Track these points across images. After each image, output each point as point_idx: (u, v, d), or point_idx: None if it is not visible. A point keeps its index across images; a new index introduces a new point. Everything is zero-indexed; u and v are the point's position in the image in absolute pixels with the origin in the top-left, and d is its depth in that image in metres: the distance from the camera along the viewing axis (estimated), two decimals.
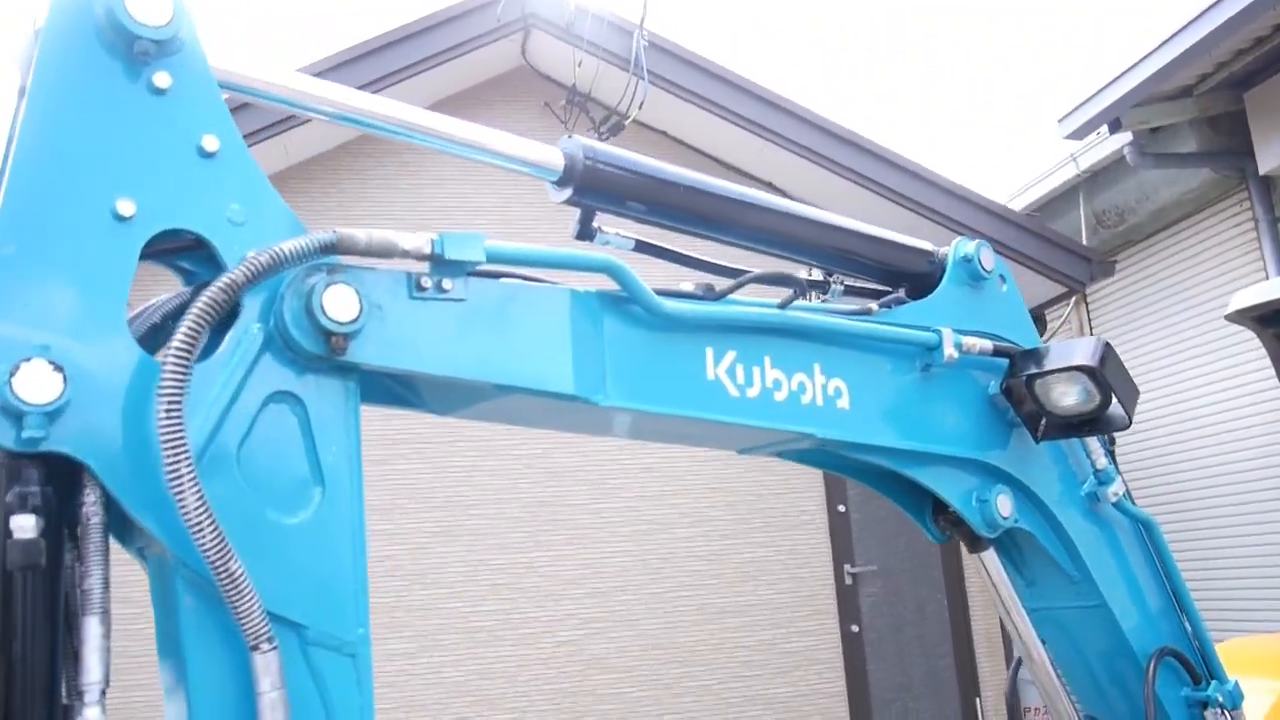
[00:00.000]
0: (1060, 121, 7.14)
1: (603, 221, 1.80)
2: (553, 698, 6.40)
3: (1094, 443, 2.27)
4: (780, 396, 1.79)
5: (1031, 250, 6.99)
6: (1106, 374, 1.99)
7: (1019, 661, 2.34)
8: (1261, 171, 6.77)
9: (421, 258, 1.39)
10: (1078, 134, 7.16)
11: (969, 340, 2.04)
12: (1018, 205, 8.29)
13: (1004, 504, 2.08)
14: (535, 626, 6.46)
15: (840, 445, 1.90)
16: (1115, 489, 2.28)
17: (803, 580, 6.93)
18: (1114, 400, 2.03)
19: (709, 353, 1.71)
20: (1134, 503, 2.38)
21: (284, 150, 6.44)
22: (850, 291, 2.14)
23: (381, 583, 6.30)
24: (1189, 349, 7.58)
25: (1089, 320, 8.79)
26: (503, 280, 1.51)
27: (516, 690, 6.36)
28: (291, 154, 6.54)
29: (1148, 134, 7.28)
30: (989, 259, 2.20)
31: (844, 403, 1.88)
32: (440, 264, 1.40)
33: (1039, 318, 7.76)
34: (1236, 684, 2.44)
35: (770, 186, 7.26)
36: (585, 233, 1.77)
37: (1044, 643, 2.44)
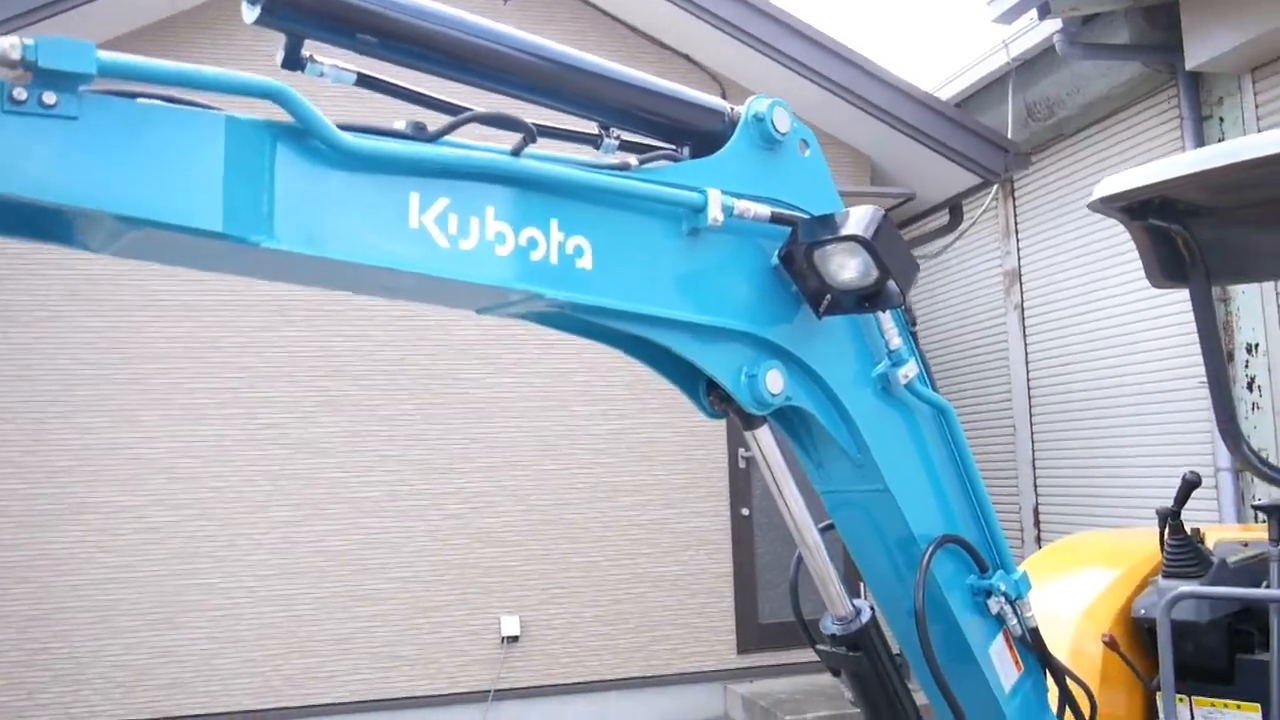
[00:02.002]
0: (989, 3, 6.89)
1: (322, 52, 1.62)
2: (438, 569, 6.40)
3: (888, 321, 2.15)
4: (503, 251, 1.64)
5: (947, 137, 6.82)
6: (878, 246, 1.85)
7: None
8: (1188, 66, 6.59)
9: (8, 65, 1.20)
10: (1006, 17, 6.92)
11: (742, 204, 1.89)
12: (948, 93, 8.08)
13: (774, 380, 1.96)
14: (422, 499, 6.42)
15: (581, 309, 1.77)
16: (906, 371, 2.17)
17: (698, 462, 6.92)
18: (891, 276, 1.90)
19: (413, 198, 1.54)
20: (933, 386, 2.29)
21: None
22: (627, 147, 1.98)
23: (265, 450, 6.21)
24: (1109, 244, 7.52)
25: (1015, 213, 8.70)
26: (139, 100, 1.33)
27: (400, 560, 6.34)
28: (177, 2, 6.17)
29: (1079, 22, 7.06)
30: (783, 120, 2.03)
31: (585, 263, 1.74)
32: (40, 75, 1.22)
33: (955, 208, 7.63)
34: (1024, 575, 2.39)
35: (687, 60, 6.99)
36: (292, 61, 1.58)
37: (834, 527, 2.38)
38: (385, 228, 1.52)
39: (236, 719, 6.02)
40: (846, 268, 1.92)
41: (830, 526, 2.36)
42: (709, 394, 2.06)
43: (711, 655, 6.84)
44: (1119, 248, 7.34)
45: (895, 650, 2.37)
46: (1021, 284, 8.60)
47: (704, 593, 6.86)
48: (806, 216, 2.01)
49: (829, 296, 1.98)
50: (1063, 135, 8.00)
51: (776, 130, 2.01)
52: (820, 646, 2.34)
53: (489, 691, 6.38)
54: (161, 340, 6.12)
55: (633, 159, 1.86)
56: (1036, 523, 8.45)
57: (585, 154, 1.87)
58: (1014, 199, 8.68)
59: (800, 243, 1.94)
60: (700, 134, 2.02)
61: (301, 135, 1.44)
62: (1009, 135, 7.48)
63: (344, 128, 1.48)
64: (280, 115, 1.43)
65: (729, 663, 6.87)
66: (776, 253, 1.98)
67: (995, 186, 7.79)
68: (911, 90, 6.92)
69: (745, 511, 6.97)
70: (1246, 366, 6.41)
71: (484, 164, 1.61)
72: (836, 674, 2.38)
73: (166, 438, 6.08)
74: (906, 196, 7.45)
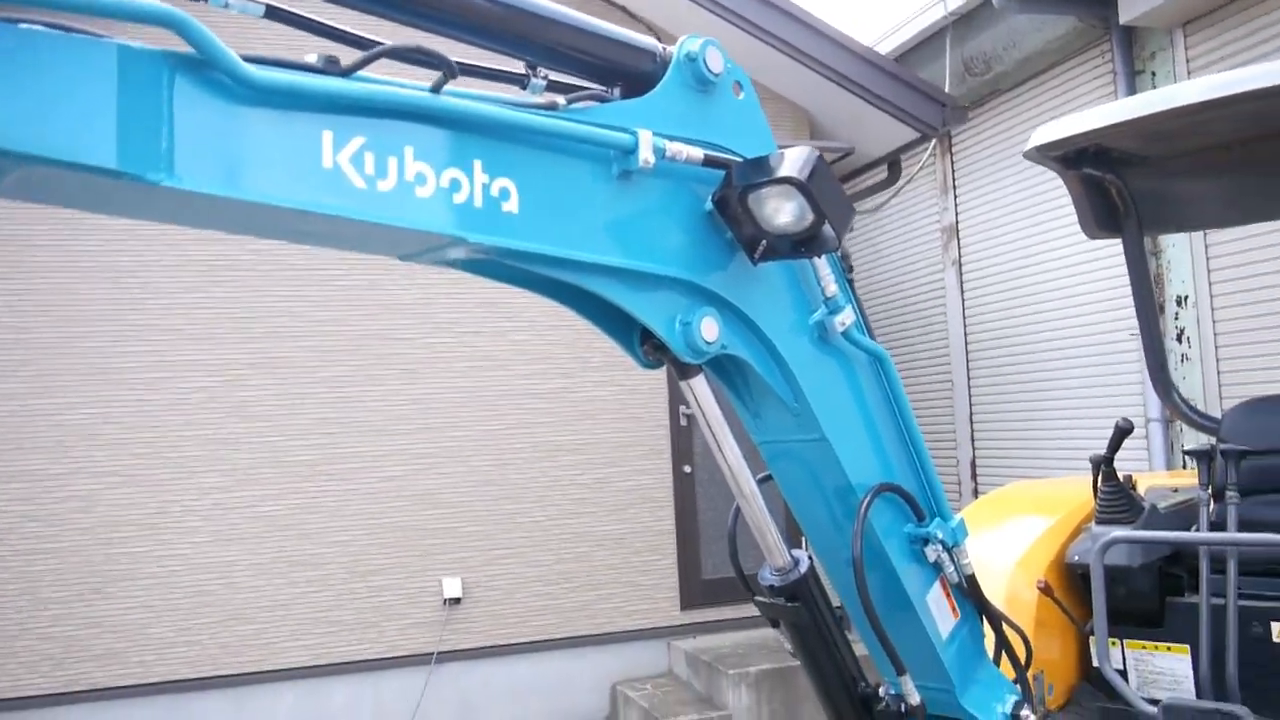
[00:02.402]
0: None
1: None
2: (377, 532, 6.31)
3: (824, 268, 2.12)
4: (424, 193, 1.56)
5: (886, 92, 6.80)
6: (813, 189, 1.81)
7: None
8: (1122, 20, 6.64)
9: None
10: None
11: (674, 146, 1.83)
12: (886, 47, 8.06)
13: (708, 328, 1.92)
14: (361, 461, 6.31)
15: (508, 254, 1.70)
16: (843, 318, 2.14)
17: (639, 420, 6.90)
18: (826, 219, 1.86)
19: (326, 136, 1.46)
20: (870, 334, 2.26)
21: None
22: (555, 88, 1.90)
23: (195, 415, 6.05)
24: (1045, 200, 7.60)
25: (953, 169, 8.74)
26: (22, 26, 1.23)
27: (340, 525, 6.24)
28: None
29: None
30: (716, 60, 1.97)
31: (511, 206, 1.67)
32: None
33: (894, 163, 7.64)
34: (961, 522, 2.39)
35: (624, 11, 6.88)
36: None
37: (772, 478, 2.35)
38: (297, 167, 1.43)
39: (174, 688, 5.91)
40: (781, 211, 1.88)
41: (768, 477, 2.34)
42: (643, 343, 2.01)
43: (655, 612, 6.86)
44: (1054, 203, 7.42)
45: (836, 604, 2.37)
46: (959, 239, 8.67)
47: (647, 550, 6.86)
48: (740, 159, 1.96)
49: (764, 242, 1.94)
50: (999, 91, 8.04)
51: (709, 71, 1.96)
52: (759, 598, 2.32)
53: (432, 654, 6.34)
54: (82, 302, 5.92)
55: (560, 99, 1.79)
56: (974, 475, 8.58)
57: (511, 94, 1.80)
58: (951, 155, 8.72)
59: (734, 186, 1.90)
60: (631, 74, 1.95)
61: (202, 67, 1.35)
62: (946, 90, 7.49)
63: (249, 60, 1.39)
64: (180, 46, 1.33)
65: (673, 619, 6.89)
66: (710, 197, 1.93)
67: (933, 142, 7.81)
68: (851, 44, 6.88)
69: (687, 469, 6.97)
70: (1176, 319, 6.53)
71: (402, 101, 1.53)
72: (776, 625, 2.38)
73: (90, 403, 5.89)
74: (845, 151, 7.44)
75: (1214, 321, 6.33)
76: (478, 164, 1.63)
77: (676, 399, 6.91)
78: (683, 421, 6.94)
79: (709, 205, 1.94)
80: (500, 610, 6.54)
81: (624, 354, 2.08)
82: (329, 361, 6.30)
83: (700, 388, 2.04)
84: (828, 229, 1.87)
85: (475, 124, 1.62)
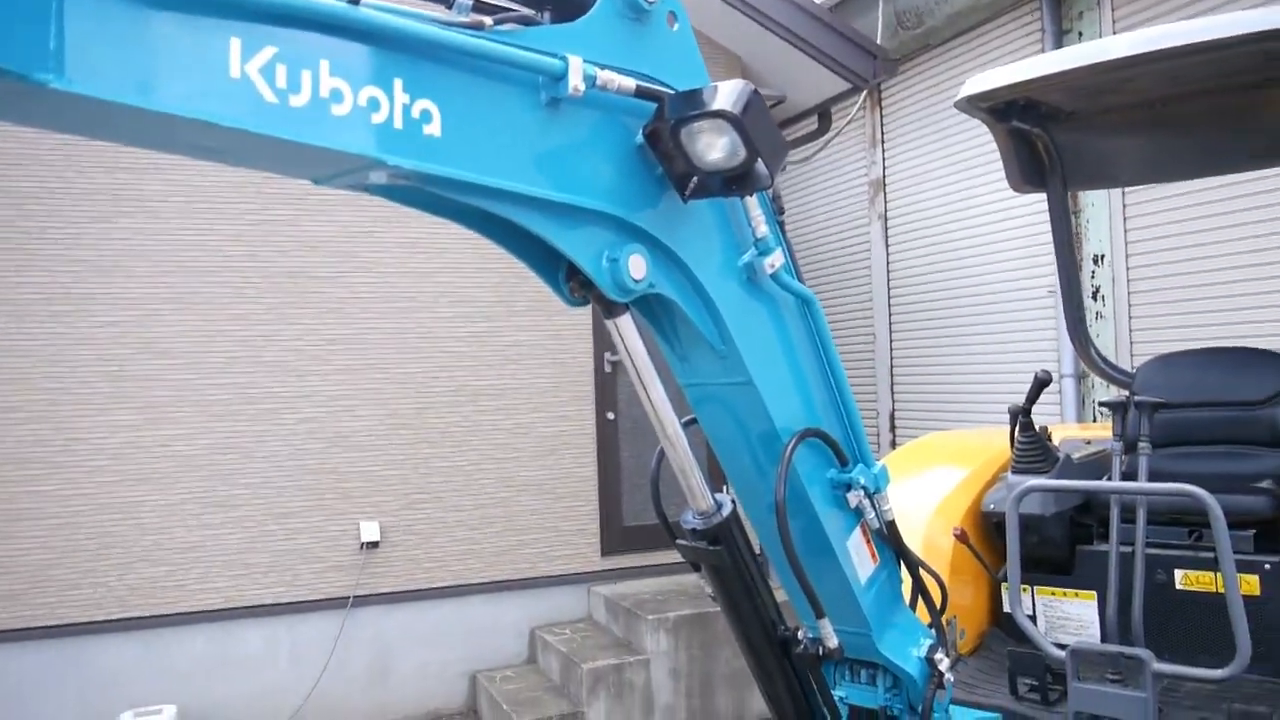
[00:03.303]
0: None
1: None
2: (293, 474, 6.18)
3: (755, 208, 2.08)
4: (341, 110, 1.47)
5: (818, 40, 6.75)
6: (747, 124, 1.76)
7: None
8: None
9: None
10: None
11: (605, 74, 1.77)
12: None
13: (636, 265, 1.87)
14: (276, 401, 6.15)
15: (429, 180, 1.63)
16: (773, 260, 2.11)
17: (563, 366, 6.84)
18: (759, 156, 1.82)
19: (234, 44, 1.36)
20: (798, 278, 2.23)
21: None
22: (482, 9, 1.82)
23: (105, 350, 5.83)
24: (970, 156, 7.66)
25: (881, 123, 8.77)
26: None
27: (254, 466, 6.09)
28: None
29: None
30: None
31: (433, 129, 1.59)
32: None
33: (824, 114, 7.62)
34: (883, 469, 2.40)
35: None
36: None
37: (697, 422, 2.33)
38: (202, 76, 1.33)
39: (77, 630, 5.75)
40: (713, 147, 1.83)
41: (693, 421, 2.32)
42: (569, 279, 1.95)
43: (576, 558, 6.87)
44: (979, 160, 7.49)
45: (757, 548, 2.36)
46: (886, 194, 8.72)
47: (569, 496, 6.84)
48: (673, 92, 1.90)
49: (695, 178, 1.89)
50: (929, 46, 8.06)
51: None
52: (681, 541, 2.30)
53: (348, 598, 6.26)
54: None
55: (487, 20, 1.70)
56: (893, 427, 8.72)
57: (436, 13, 1.71)
58: (881, 108, 8.74)
59: (666, 119, 1.84)
60: None
61: None
62: (878, 42, 7.47)
63: None
64: None
65: (593, 565, 6.91)
66: (641, 130, 1.87)
67: (864, 94, 7.81)
68: None
69: (610, 415, 6.95)
70: (1093, 277, 6.66)
71: (317, 10, 1.44)
72: (697, 569, 2.36)
73: None
74: (777, 100, 7.40)
75: (1128, 280, 6.48)
76: (398, 83, 1.55)
77: (601, 345, 6.86)
78: (607, 368, 6.90)
79: (640, 139, 1.89)
80: (419, 554, 6.48)
81: (549, 298, 2.02)
82: (243, 298, 6.11)
83: (626, 327, 1.99)
84: (760, 166, 1.83)
85: (396, 40, 1.54)
